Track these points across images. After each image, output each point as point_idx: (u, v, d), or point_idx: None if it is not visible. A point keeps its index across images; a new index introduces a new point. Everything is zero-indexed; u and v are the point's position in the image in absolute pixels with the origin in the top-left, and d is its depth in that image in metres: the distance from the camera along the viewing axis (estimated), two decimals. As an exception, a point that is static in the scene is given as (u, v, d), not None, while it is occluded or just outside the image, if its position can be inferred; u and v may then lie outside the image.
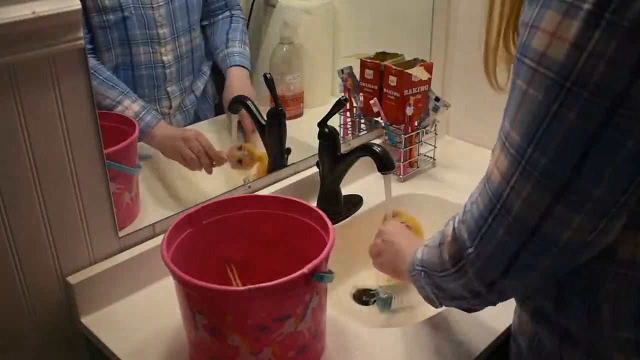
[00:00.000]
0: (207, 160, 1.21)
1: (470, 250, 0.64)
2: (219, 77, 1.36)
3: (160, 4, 1.18)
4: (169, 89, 1.25)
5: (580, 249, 0.58)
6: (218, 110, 1.39)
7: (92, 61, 1.12)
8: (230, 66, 1.31)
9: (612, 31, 0.47)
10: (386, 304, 1.14)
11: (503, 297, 0.68)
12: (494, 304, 0.70)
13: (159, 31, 1.19)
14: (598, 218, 0.55)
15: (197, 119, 1.35)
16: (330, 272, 0.81)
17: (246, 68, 1.33)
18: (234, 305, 0.77)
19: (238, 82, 1.31)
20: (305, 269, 0.76)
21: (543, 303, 0.70)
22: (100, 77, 1.12)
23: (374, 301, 1.16)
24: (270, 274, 0.79)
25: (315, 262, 0.78)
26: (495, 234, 0.60)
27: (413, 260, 0.81)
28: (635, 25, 0.47)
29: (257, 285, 0.74)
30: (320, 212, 0.90)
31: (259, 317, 0.77)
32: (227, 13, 1.36)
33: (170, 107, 1.27)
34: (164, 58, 1.22)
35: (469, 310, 0.75)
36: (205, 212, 0.92)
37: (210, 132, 1.31)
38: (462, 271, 0.66)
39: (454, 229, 0.67)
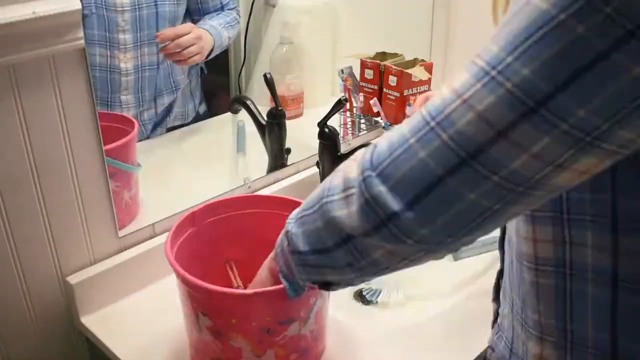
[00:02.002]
0: None
1: (368, 172, 0.53)
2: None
3: (126, 8, 1.13)
4: (122, 97, 1.19)
5: (521, 188, 0.49)
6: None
7: None
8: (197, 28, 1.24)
9: None
10: (374, 295, 1.14)
11: (394, 252, 0.56)
12: (407, 257, 0.57)
13: (119, 36, 1.14)
14: (565, 146, 0.47)
15: (152, 133, 1.28)
16: None
17: (211, 35, 1.25)
18: (240, 308, 0.77)
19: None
20: None
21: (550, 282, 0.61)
22: None
23: (366, 293, 1.16)
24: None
25: None
26: (414, 156, 0.50)
27: (281, 235, 0.69)
28: None
29: (265, 289, 0.73)
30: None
31: (264, 319, 0.77)
32: (220, 11, 1.31)
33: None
34: (122, 65, 1.16)
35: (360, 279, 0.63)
36: (207, 211, 0.92)
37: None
38: (349, 200, 0.56)
39: (361, 155, 0.57)
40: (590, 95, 0.45)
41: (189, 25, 1.24)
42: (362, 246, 0.57)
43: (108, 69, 1.16)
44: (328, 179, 0.63)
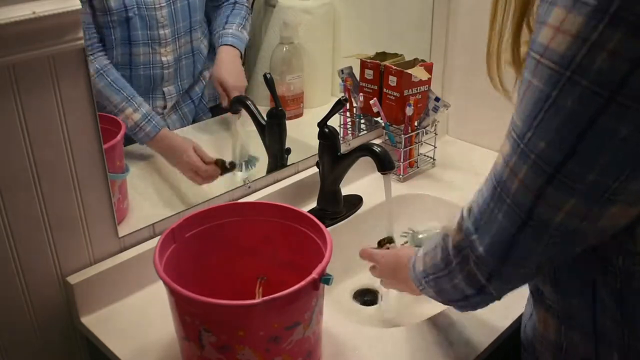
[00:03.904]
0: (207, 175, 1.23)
1: (473, 237, 0.65)
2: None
3: (163, 4, 1.18)
4: (165, 89, 1.25)
5: (574, 236, 0.59)
6: (214, 112, 1.38)
7: (102, 60, 1.13)
8: (221, 45, 1.30)
9: (616, 25, 0.50)
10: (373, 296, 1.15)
11: (503, 289, 0.69)
12: (496, 298, 0.71)
13: (160, 32, 1.19)
14: (590, 203, 0.56)
15: (192, 121, 1.34)
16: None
17: (237, 49, 1.31)
18: (248, 319, 0.76)
19: (227, 59, 1.30)
20: (314, 274, 0.76)
21: (574, 307, 0.69)
22: (108, 79, 1.12)
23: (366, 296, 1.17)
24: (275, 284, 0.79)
25: (322, 265, 0.78)
26: (496, 218, 0.62)
27: (415, 275, 0.82)
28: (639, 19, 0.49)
29: (273, 296, 0.73)
30: (309, 214, 0.90)
31: (272, 327, 0.76)
32: (231, 1, 1.35)
33: (165, 107, 1.26)
34: (164, 59, 1.22)
35: (474, 309, 0.76)
36: (186, 225, 0.89)
37: (206, 134, 1.31)
38: (465, 261, 0.68)
39: (461, 217, 0.69)
40: (593, 160, 0.54)
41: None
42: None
43: (151, 65, 1.21)
44: (431, 253, 0.77)
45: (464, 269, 0.69)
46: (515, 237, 0.61)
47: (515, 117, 0.60)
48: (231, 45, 1.30)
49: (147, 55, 1.19)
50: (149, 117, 1.16)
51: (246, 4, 1.37)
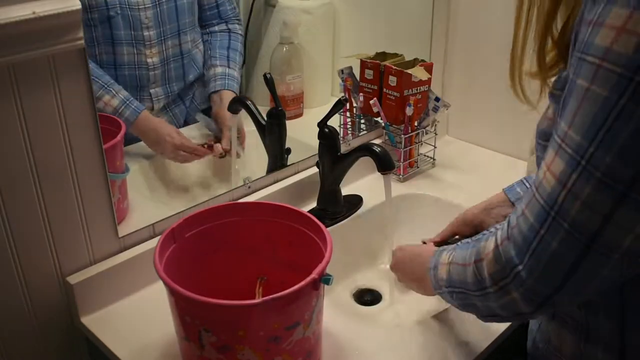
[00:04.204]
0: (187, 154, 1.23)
1: (519, 268, 0.59)
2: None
3: (148, 5, 1.16)
4: (152, 90, 1.23)
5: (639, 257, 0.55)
6: (206, 114, 1.36)
7: None
8: (226, 89, 1.30)
9: None
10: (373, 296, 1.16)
11: (548, 313, 0.65)
12: (534, 319, 0.68)
13: (144, 33, 1.17)
14: None
15: (183, 123, 1.33)
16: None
17: (236, 94, 1.32)
18: (248, 319, 0.76)
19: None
20: (314, 274, 0.76)
21: (603, 326, 0.65)
22: None
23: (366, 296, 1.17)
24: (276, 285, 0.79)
25: (322, 265, 0.78)
26: (549, 247, 0.56)
27: (437, 280, 0.79)
28: None
29: (273, 296, 0.73)
30: (309, 214, 0.90)
31: (272, 327, 0.76)
32: (223, 26, 1.34)
33: (152, 109, 1.25)
34: (149, 60, 1.20)
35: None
36: (186, 225, 0.89)
37: (197, 136, 1.30)
38: (505, 291, 0.62)
39: (496, 246, 0.63)
40: None
41: None
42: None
43: (136, 66, 1.19)
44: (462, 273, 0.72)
45: (503, 298, 0.63)
46: (575, 265, 0.55)
47: (566, 127, 0.54)
48: (232, 92, 1.30)
49: (131, 56, 1.18)
50: (127, 102, 1.14)
51: (240, 32, 1.37)
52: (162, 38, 1.21)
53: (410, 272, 0.94)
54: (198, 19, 1.30)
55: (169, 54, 1.24)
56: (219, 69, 1.31)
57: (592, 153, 0.51)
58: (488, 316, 0.70)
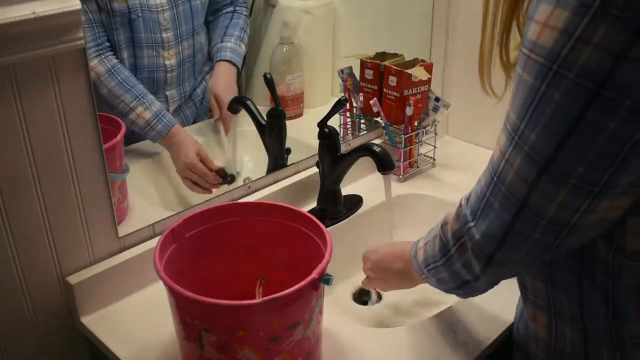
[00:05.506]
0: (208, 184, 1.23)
1: (471, 224, 0.68)
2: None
3: (165, 7, 1.18)
4: (167, 92, 1.25)
5: (568, 228, 0.60)
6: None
7: (112, 60, 1.13)
8: (219, 60, 1.30)
9: (600, 19, 0.50)
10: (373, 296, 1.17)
11: (500, 275, 0.71)
12: (494, 282, 0.73)
13: (162, 35, 1.19)
14: (582, 196, 0.57)
15: (192, 122, 1.34)
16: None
17: (235, 65, 1.32)
18: (248, 319, 0.76)
19: (224, 75, 1.31)
20: (314, 274, 0.76)
21: (565, 302, 0.70)
22: (119, 78, 1.12)
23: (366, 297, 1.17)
24: (276, 284, 0.79)
25: (322, 265, 0.78)
26: (492, 206, 0.64)
27: (419, 265, 0.83)
28: (623, 12, 0.49)
29: (273, 296, 0.73)
30: (309, 214, 0.89)
31: (272, 327, 0.76)
32: (230, 8, 1.35)
33: (167, 111, 1.26)
34: (167, 62, 1.21)
35: (473, 295, 0.78)
36: (186, 225, 0.89)
37: (205, 134, 1.31)
38: (462, 248, 0.70)
39: (459, 206, 0.71)
40: (582, 153, 0.55)
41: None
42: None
43: (155, 69, 1.20)
44: (431, 245, 0.80)
45: (462, 257, 0.71)
46: (510, 224, 0.62)
47: (509, 111, 0.61)
48: (229, 62, 1.31)
49: (151, 59, 1.19)
50: (160, 115, 1.15)
51: (245, 13, 1.37)
52: (179, 39, 1.22)
53: (392, 268, 0.96)
54: (207, 7, 1.30)
55: (184, 55, 1.25)
56: (215, 46, 1.32)
57: (522, 130, 0.59)
58: (459, 288, 0.76)
